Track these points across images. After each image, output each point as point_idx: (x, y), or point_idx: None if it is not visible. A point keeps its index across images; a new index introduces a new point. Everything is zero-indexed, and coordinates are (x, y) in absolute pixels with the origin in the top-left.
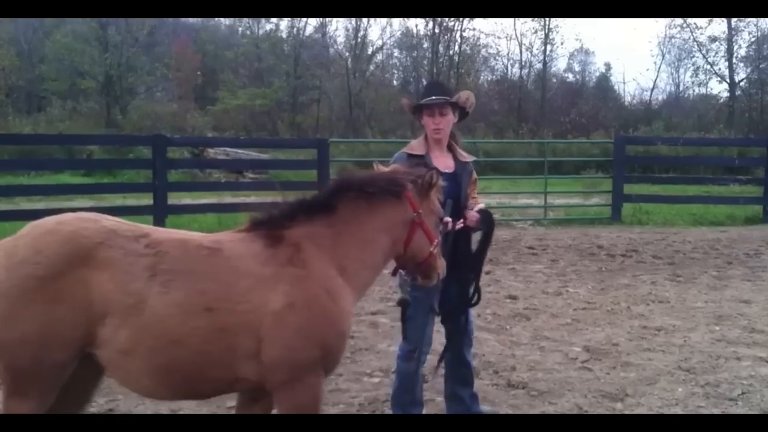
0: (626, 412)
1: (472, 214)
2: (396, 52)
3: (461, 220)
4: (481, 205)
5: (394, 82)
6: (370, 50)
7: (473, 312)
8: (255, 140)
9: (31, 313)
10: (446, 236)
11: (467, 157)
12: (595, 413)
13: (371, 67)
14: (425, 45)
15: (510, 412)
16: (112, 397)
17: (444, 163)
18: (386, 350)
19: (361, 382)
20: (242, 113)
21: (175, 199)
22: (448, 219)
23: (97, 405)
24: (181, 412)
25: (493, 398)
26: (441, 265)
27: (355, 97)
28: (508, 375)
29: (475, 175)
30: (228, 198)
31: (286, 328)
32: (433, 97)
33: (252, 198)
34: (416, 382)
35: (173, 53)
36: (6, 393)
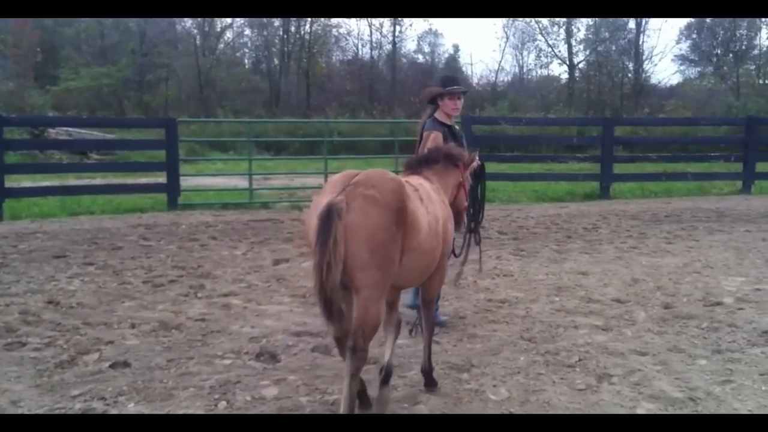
0: (472, 382)
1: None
2: (247, 31)
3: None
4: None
5: (246, 62)
6: (219, 27)
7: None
8: (99, 119)
9: (399, 233)
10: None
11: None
12: (444, 383)
13: (221, 45)
14: (276, 24)
15: (360, 387)
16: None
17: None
18: (239, 331)
19: (213, 365)
20: (86, 92)
21: (13, 182)
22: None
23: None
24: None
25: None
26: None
27: (205, 76)
28: None
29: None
30: (72, 180)
31: (447, 234)
32: (456, 87)
33: (98, 179)
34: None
35: (10, 28)
36: (379, 294)
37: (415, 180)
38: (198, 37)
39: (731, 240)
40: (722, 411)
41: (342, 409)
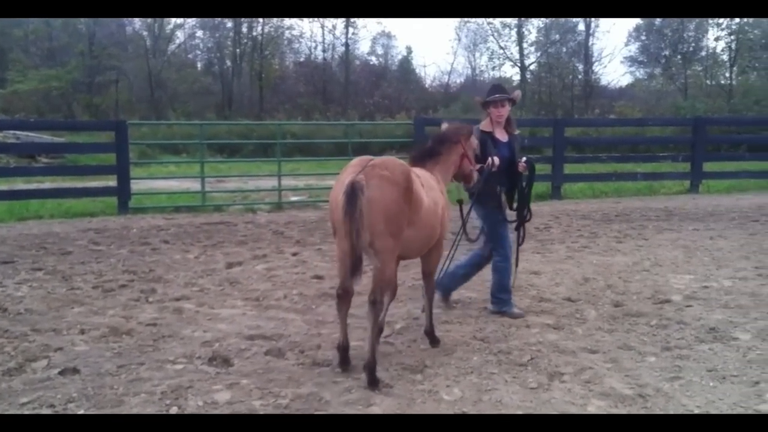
0: (425, 383)
1: (521, 164)
2: (198, 32)
3: (491, 162)
4: (524, 157)
5: (198, 64)
6: (169, 29)
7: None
8: (47, 122)
9: (409, 208)
10: (492, 174)
11: (515, 131)
12: (398, 385)
13: (172, 47)
14: (228, 25)
15: (315, 390)
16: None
17: (502, 135)
18: (191, 336)
19: (164, 370)
20: (35, 95)
21: None
22: (493, 160)
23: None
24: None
25: (298, 377)
26: (474, 176)
27: (155, 78)
28: (314, 354)
29: (519, 142)
30: (20, 184)
31: (445, 216)
32: (498, 96)
33: (47, 183)
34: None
35: None
36: (392, 257)
37: (418, 170)
38: (148, 38)
39: (680, 239)
40: (671, 407)
41: (367, 354)
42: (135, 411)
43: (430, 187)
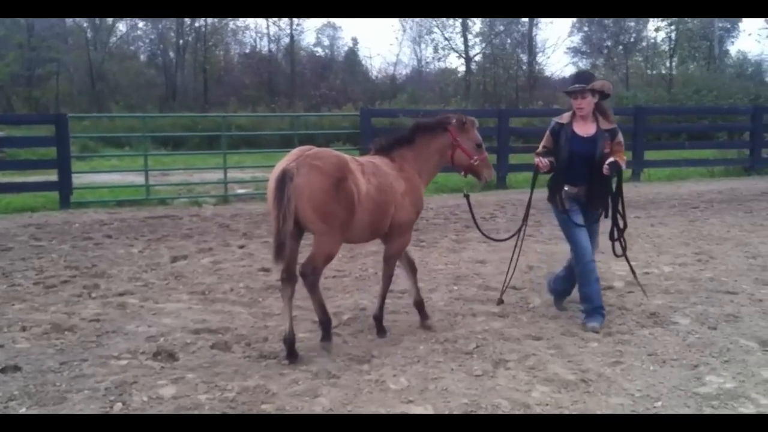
0: (372, 372)
1: (605, 167)
2: (141, 24)
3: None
4: (611, 159)
5: (141, 55)
6: (110, 20)
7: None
8: None
9: (341, 194)
10: (557, 173)
11: (608, 125)
12: (344, 374)
13: (114, 39)
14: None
15: (261, 382)
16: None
17: (585, 129)
18: (135, 331)
19: (108, 366)
20: None
21: None
22: (540, 161)
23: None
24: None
25: (245, 370)
26: (487, 171)
27: (97, 70)
28: (261, 346)
29: (619, 138)
30: None
31: (403, 203)
32: (576, 86)
33: None
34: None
35: None
36: (328, 239)
37: (373, 159)
38: (89, 30)
39: None
40: (612, 391)
41: (319, 316)
42: (78, 408)
43: (382, 174)
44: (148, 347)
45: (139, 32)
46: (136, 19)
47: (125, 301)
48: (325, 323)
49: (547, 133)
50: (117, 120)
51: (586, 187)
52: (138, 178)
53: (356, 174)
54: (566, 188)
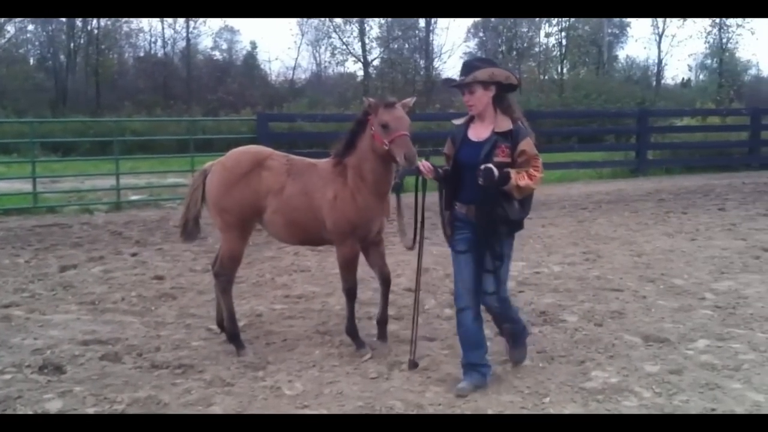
0: (267, 379)
1: (478, 174)
2: (30, 26)
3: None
4: (486, 165)
5: (30, 59)
6: None
7: None
8: None
9: (236, 191)
10: (444, 185)
11: (506, 126)
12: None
13: (1, 41)
14: (62, 19)
15: (153, 393)
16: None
17: (478, 132)
18: (20, 344)
19: None
20: None
21: None
22: (424, 164)
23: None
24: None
25: (135, 381)
26: (400, 152)
27: None
28: (152, 356)
29: (524, 146)
30: None
31: (333, 210)
32: (457, 79)
33: None
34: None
35: None
36: (227, 236)
37: (312, 162)
38: None
39: None
40: (502, 389)
41: (226, 322)
42: None
43: (311, 177)
44: (33, 360)
45: (28, 35)
46: (26, 21)
47: (10, 314)
48: (231, 333)
49: (449, 138)
50: (4, 125)
51: (475, 202)
52: (26, 186)
53: (272, 172)
54: (456, 206)
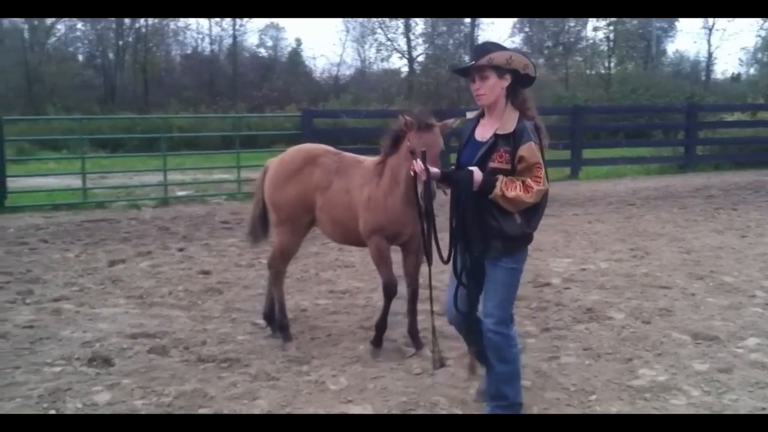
0: (312, 373)
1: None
2: (79, 25)
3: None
4: (470, 168)
5: (79, 57)
6: (49, 21)
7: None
8: None
9: (288, 187)
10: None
11: (507, 128)
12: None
13: (52, 40)
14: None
15: (199, 386)
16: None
17: (483, 132)
18: (69, 337)
19: (41, 373)
20: None
21: None
22: (416, 164)
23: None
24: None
25: (182, 374)
26: (418, 189)
27: (33, 72)
28: (199, 350)
29: (525, 151)
30: None
31: (365, 210)
32: (463, 65)
33: None
34: None
35: None
36: (280, 230)
37: (360, 159)
38: (26, 31)
39: (560, 223)
40: (548, 386)
41: (277, 313)
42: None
43: (353, 175)
44: (82, 353)
45: (77, 33)
46: (75, 20)
47: (60, 307)
48: (281, 324)
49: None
50: (54, 122)
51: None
52: (75, 182)
53: (322, 169)
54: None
